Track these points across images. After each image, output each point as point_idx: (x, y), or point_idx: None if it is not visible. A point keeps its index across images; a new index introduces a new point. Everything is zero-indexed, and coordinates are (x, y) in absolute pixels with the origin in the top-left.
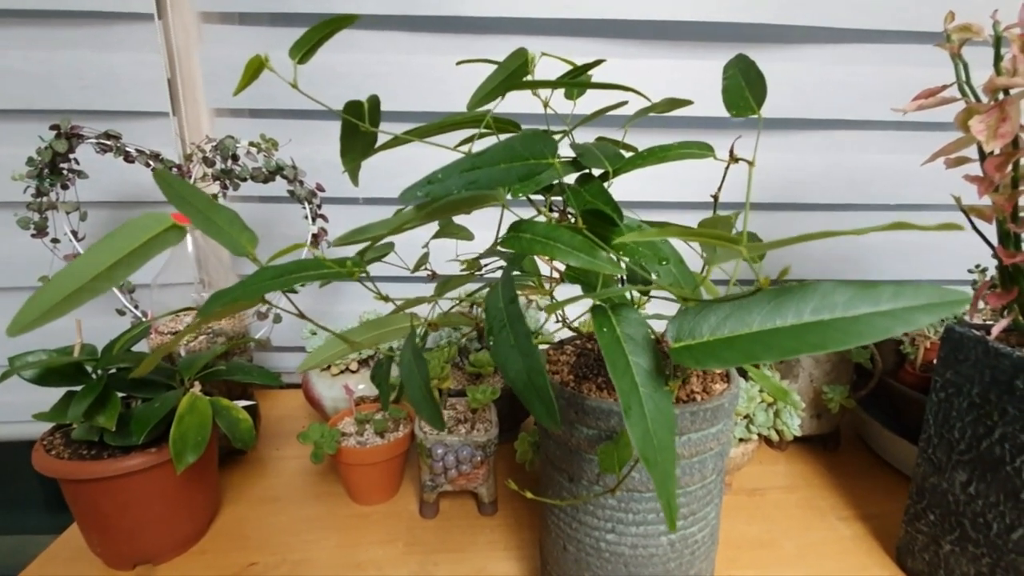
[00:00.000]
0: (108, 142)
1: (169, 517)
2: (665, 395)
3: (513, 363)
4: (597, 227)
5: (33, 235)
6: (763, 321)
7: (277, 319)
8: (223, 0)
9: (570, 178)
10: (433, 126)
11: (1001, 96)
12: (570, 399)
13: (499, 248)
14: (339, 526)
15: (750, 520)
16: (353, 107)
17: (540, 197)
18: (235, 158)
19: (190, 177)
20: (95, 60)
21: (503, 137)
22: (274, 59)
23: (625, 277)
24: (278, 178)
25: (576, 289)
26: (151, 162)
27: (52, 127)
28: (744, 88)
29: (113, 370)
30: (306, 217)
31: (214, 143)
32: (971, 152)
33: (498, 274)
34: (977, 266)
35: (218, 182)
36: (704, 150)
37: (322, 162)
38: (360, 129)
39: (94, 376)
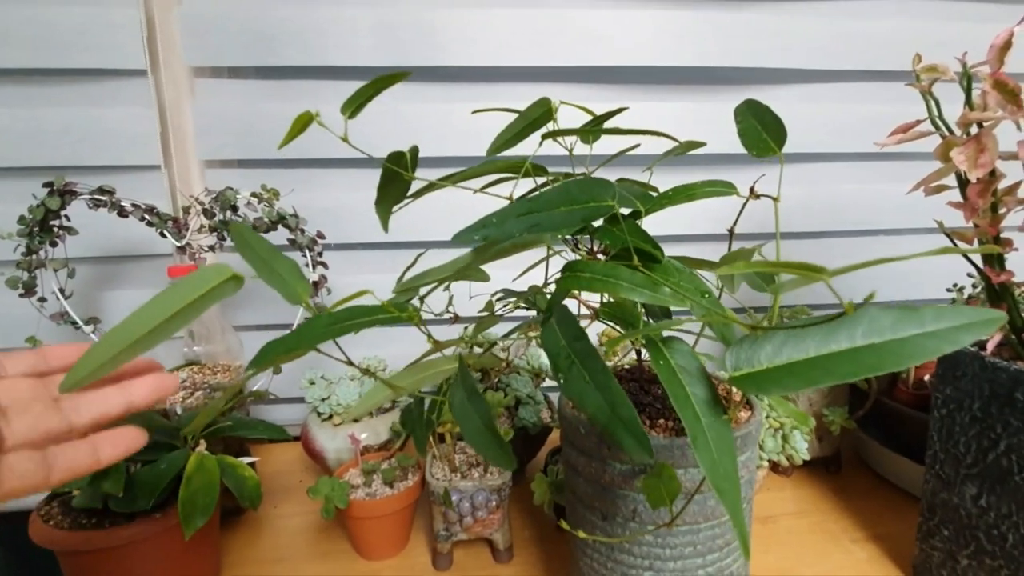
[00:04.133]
0: (103, 197)
1: None
2: (725, 424)
3: (592, 399)
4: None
5: (21, 294)
6: (818, 347)
7: (277, 370)
8: (213, 55)
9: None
10: (473, 171)
11: (974, 129)
12: (601, 434)
13: (552, 288)
14: None
15: (766, 549)
16: (396, 157)
17: (568, 237)
18: (234, 209)
19: (186, 228)
20: (86, 115)
21: (538, 182)
22: (265, 111)
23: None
24: (278, 227)
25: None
26: (146, 216)
27: (45, 184)
28: (760, 130)
29: None
30: (306, 265)
31: (213, 195)
32: (949, 180)
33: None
34: (955, 285)
35: (215, 233)
36: (728, 188)
37: (318, 209)
38: (399, 178)
39: None
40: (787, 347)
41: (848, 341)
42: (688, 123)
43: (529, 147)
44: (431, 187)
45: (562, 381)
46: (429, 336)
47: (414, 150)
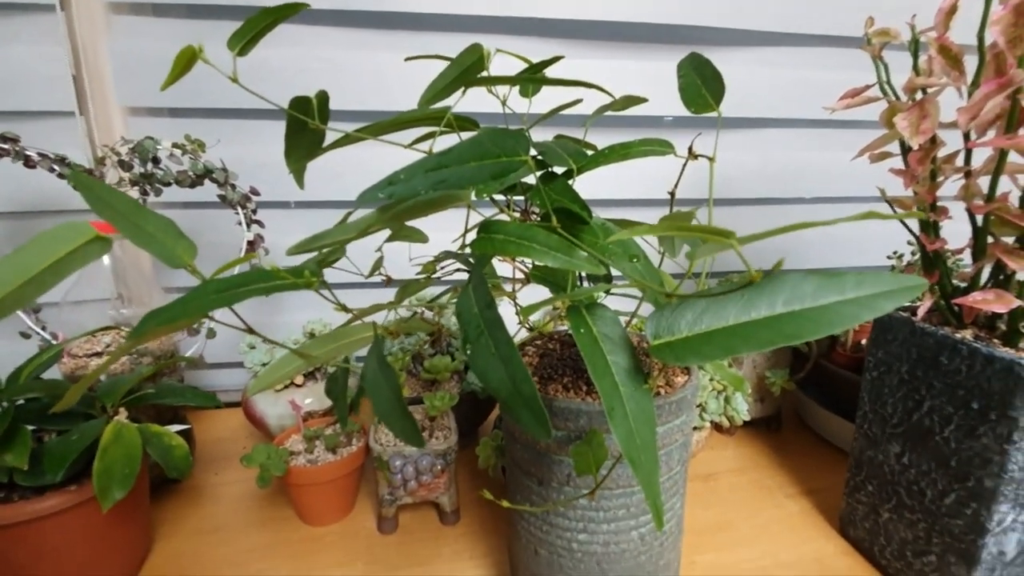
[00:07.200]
0: (5, 146)
1: (95, 562)
2: (645, 393)
3: (495, 372)
4: (566, 226)
5: None
6: (738, 314)
7: (211, 334)
8: None
9: (530, 177)
10: (388, 123)
11: (920, 95)
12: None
13: (467, 250)
14: (291, 552)
15: (707, 505)
16: (300, 103)
17: (501, 197)
18: (156, 161)
19: (103, 181)
20: None
21: (464, 136)
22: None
23: (585, 276)
24: (206, 182)
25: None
26: (56, 166)
27: None
28: (700, 86)
29: (21, 400)
30: (240, 223)
31: (131, 144)
32: (892, 148)
33: (457, 276)
34: (895, 252)
35: (136, 187)
36: (665, 147)
37: (254, 164)
38: (307, 127)
39: None
40: (707, 315)
41: (768, 309)
42: (635, 82)
43: (466, 100)
44: (347, 139)
45: (469, 351)
46: (339, 304)
47: (321, 96)
